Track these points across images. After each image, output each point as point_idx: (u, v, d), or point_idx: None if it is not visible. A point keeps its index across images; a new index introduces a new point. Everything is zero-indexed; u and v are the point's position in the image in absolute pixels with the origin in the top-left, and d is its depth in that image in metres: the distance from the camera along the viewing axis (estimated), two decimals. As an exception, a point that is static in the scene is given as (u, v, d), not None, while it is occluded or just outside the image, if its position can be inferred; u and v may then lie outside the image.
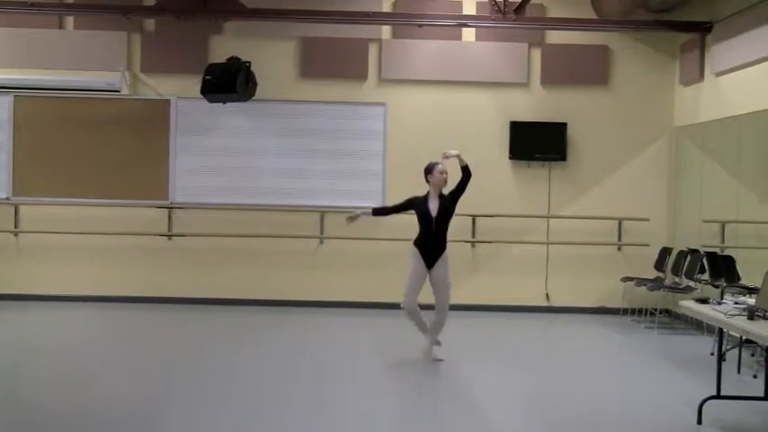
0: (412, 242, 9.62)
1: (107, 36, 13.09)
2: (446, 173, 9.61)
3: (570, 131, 13.21)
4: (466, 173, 9.58)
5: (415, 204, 9.62)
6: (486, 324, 12.38)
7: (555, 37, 13.28)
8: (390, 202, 12.91)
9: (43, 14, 12.77)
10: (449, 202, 9.57)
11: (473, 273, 13.25)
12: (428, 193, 9.61)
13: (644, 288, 12.18)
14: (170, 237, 13.14)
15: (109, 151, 13.13)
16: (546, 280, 13.28)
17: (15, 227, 13.14)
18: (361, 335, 11.37)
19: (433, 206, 9.52)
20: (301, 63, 13.25)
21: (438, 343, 9.69)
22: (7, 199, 13.12)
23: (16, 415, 7.47)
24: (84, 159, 13.13)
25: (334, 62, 13.18)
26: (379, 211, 10.07)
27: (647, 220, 13.15)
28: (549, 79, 13.28)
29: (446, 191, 9.64)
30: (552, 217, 13.25)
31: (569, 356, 10.56)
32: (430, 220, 9.48)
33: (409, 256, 9.59)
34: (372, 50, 13.26)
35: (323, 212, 13.08)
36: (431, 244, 9.50)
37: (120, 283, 13.12)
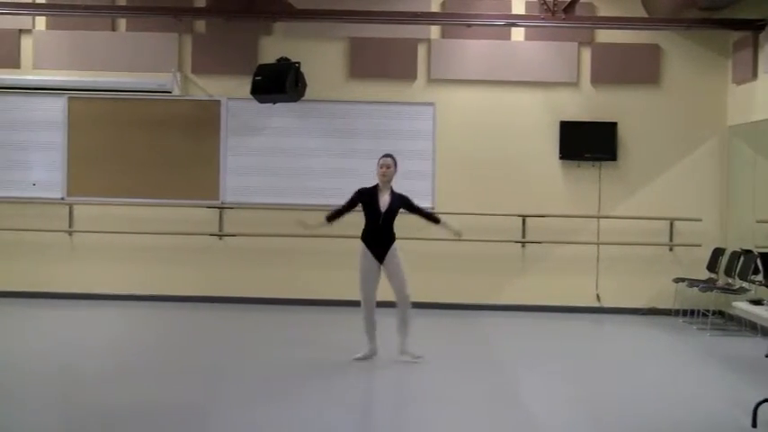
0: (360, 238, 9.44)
1: (158, 38, 13.23)
2: (388, 167, 9.39)
3: (620, 131, 13.11)
4: (434, 220, 9.76)
5: (363, 195, 9.40)
6: (536, 325, 12.32)
7: (605, 36, 13.18)
8: (440, 203, 13.03)
9: (96, 17, 12.97)
10: (399, 204, 9.44)
11: (522, 273, 13.21)
12: (377, 185, 9.43)
13: (696, 289, 12.05)
14: (220, 236, 13.25)
15: (160, 152, 13.27)
16: (596, 280, 13.19)
17: (70, 226, 13.32)
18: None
19: (384, 201, 9.36)
20: (350, 63, 13.29)
21: (406, 353, 9.45)
22: (62, 199, 13.30)
23: (75, 411, 7.59)
24: (136, 160, 13.29)
25: (382, 62, 13.21)
26: (334, 216, 9.51)
27: (699, 220, 13.01)
28: (599, 78, 13.18)
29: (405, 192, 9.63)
30: (602, 217, 13.16)
31: (620, 358, 10.48)
32: (378, 214, 9.34)
33: (358, 254, 9.40)
34: (421, 50, 13.26)
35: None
36: (377, 238, 9.34)
37: (170, 282, 13.24)
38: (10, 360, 9.28)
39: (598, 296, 13.22)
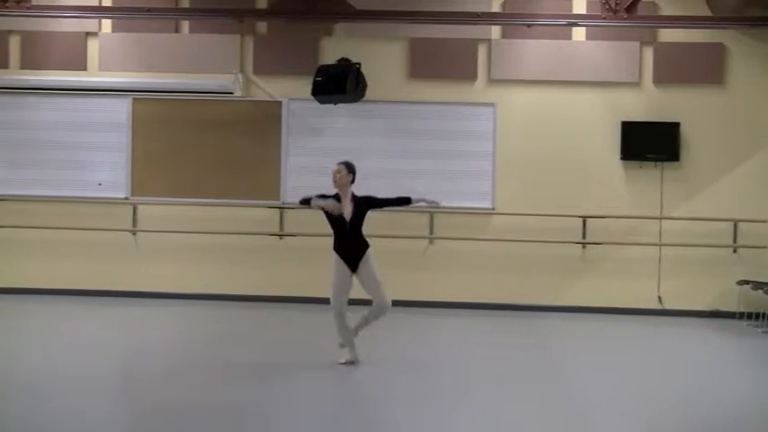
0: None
1: (221, 39, 13.37)
2: (338, 171, 9.12)
3: (683, 131, 12.96)
4: (406, 202, 9.40)
5: (326, 199, 9.10)
6: (596, 327, 12.23)
7: (668, 35, 13.04)
8: (500, 203, 13.03)
9: (160, 19, 13.13)
10: (364, 208, 9.17)
11: (583, 275, 13.13)
12: (337, 194, 9.17)
13: (761, 291, 11.86)
14: (281, 236, 13.35)
15: (222, 152, 13.42)
16: (658, 282, 13.05)
17: (133, 226, 13.52)
18: (469, 336, 11.37)
19: (347, 209, 9.12)
20: (410, 64, 13.31)
21: (345, 348, 9.25)
22: (126, 199, 13.51)
23: (141, 407, 7.72)
24: (198, 160, 13.45)
25: (442, 63, 13.21)
26: (305, 200, 9.20)
27: (764, 221, 12.81)
28: (662, 78, 13.05)
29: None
30: (665, 218, 13.02)
31: (681, 360, 10.35)
32: (344, 222, 9.11)
33: (331, 263, 9.18)
34: (481, 51, 13.24)
35: (432, 213, 13.11)
36: (348, 247, 9.12)
37: (231, 281, 13.37)
38: (78, 358, 9.44)
39: (660, 298, 13.08)
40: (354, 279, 9.19)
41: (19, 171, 13.58)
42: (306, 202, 9.19)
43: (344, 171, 9.22)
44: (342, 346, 9.28)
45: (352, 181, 9.22)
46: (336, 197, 9.14)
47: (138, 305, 12.87)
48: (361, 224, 9.18)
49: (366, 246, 9.18)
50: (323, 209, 9.07)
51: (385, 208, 9.47)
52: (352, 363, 9.17)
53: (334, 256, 9.19)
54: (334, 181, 9.22)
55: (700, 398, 8.36)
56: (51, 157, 13.54)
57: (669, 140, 12.93)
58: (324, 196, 9.11)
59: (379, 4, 12.46)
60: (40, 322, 11.73)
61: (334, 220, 9.15)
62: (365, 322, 9.28)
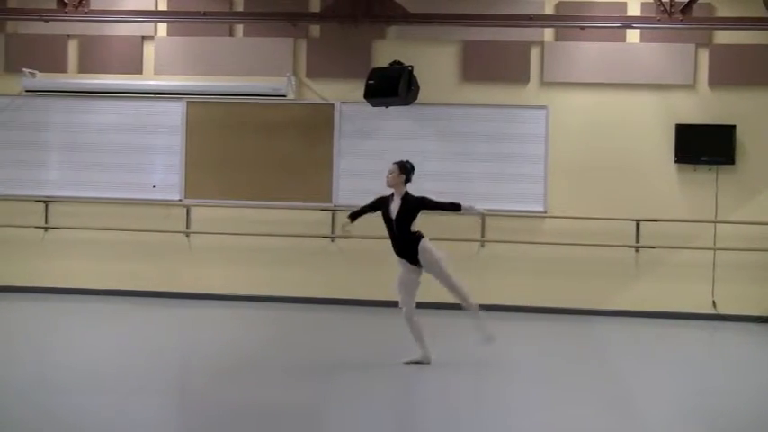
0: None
1: (274, 43, 13.47)
2: (390, 171, 9.26)
3: (739, 134, 12.81)
4: (457, 209, 9.39)
5: (380, 205, 9.36)
6: (649, 331, 12.13)
7: (723, 37, 12.90)
8: (552, 206, 12.98)
9: (215, 23, 13.27)
10: (414, 207, 9.21)
11: (636, 279, 13.02)
12: (392, 193, 9.33)
13: (818, 297, 11.70)
14: (333, 239, 13.40)
15: (275, 155, 13.51)
16: (712, 287, 12.90)
17: (187, 228, 13.66)
18: (523, 339, 11.34)
19: (394, 207, 9.23)
20: (463, 66, 13.31)
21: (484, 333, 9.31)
22: (180, 201, 13.66)
23: (196, 407, 7.82)
24: (251, 162, 13.55)
25: (495, 65, 13.19)
26: (355, 215, 9.56)
27: (821, 226, 12.64)
28: (717, 80, 12.91)
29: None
30: (719, 222, 12.87)
31: (738, 367, 10.22)
32: (390, 221, 9.23)
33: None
34: (534, 53, 13.20)
35: (484, 216, 13.06)
36: (400, 246, 9.22)
37: (284, 283, 13.44)
38: (136, 358, 9.57)
39: (714, 303, 12.93)
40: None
41: (74, 173, 13.79)
42: (354, 217, 9.49)
43: (397, 171, 9.32)
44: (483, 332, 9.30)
45: (407, 180, 9.30)
46: (389, 197, 9.28)
47: (190, 306, 13.00)
48: (409, 223, 9.21)
49: (417, 241, 9.17)
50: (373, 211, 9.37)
51: (437, 210, 9.46)
52: (419, 362, 9.20)
53: (395, 258, 9.31)
54: (387, 180, 9.32)
55: (757, 405, 8.25)
56: (106, 159, 13.72)
57: (724, 144, 12.78)
58: (380, 198, 9.39)
59: (431, 7, 12.47)
60: (94, 322, 11.90)
61: (384, 219, 9.31)
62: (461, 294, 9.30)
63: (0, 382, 8.19)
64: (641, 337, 11.69)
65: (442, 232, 13.00)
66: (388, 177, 9.31)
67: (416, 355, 9.24)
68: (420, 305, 9.29)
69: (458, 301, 9.41)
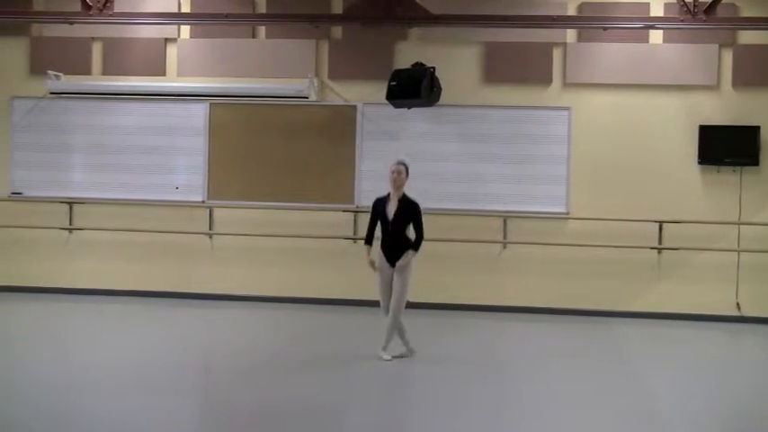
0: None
1: (296, 44, 13.51)
2: (399, 172, 9.43)
3: (764, 135, 12.74)
4: (417, 241, 9.48)
5: (377, 205, 9.55)
6: (673, 333, 12.08)
7: (747, 37, 12.84)
8: (574, 208, 12.96)
9: (237, 25, 13.32)
10: (408, 214, 9.40)
11: (658, 280, 12.97)
12: (389, 193, 9.52)
13: (844, 299, 11.62)
14: (355, 240, 13.42)
15: (297, 156, 13.54)
16: (736, 289, 12.84)
17: (210, 229, 13.72)
18: (545, 341, 11.33)
19: (391, 208, 9.40)
20: (485, 68, 13.30)
21: (386, 353, 9.51)
22: (203, 202, 13.72)
23: (217, 408, 7.86)
24: (274, 164, 13.60)
25: (517, 67, 13.17)
26: (368, 238, 9.68)
27: None
28: (741, 81, 12.85)
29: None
30: (743, 224, 12.80)
31: (762, 370, 10.17)
32: (386, 221, 9.38)
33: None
34: (557, 54, 13.18)
35: (506, 217, 13.07)
36: (390, 245, 9.39)
37: (306, 284, 13.49)
38: (159, 358, 9.64)
39: (738, 305, 12.86)
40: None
41: (98, 174, 13.87)
42: (369, 241, 9.64)
43: (405, 173, 9.51)
44: (385, 350, 9.56)
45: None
46: (386, 197, 9.53)
47: (213, 307, 13.05)
48: (404, 227, 9.43)
49: (407, 245, 9.38)
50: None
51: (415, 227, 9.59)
52: (402, 357, 9.54)
53: (378, 254, 9.51)
54: (393, 180, 9.48)
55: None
56: (129, 161, 13.80)
57: (748, 145, 12.72)
58: (376, 200, 9.62)
59: (454, 8, 12.46)
60: (117, 323, 11.96)
61: (381, 218, 9.49)
62: (389, 330, 9.54)
63: (27, 382, 8.27)
64: (664, 340, 11.64)
65: (464, 233, 13.10)
66: (394, 177, 9.49)
67: (400, 350, 9.59)
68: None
69: (388, 320, 9.50)
